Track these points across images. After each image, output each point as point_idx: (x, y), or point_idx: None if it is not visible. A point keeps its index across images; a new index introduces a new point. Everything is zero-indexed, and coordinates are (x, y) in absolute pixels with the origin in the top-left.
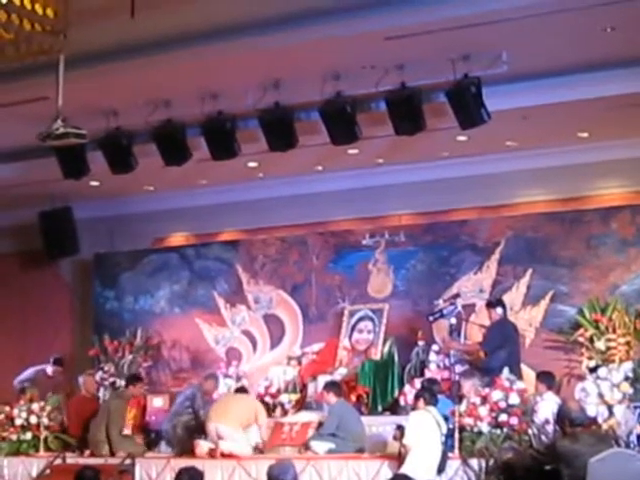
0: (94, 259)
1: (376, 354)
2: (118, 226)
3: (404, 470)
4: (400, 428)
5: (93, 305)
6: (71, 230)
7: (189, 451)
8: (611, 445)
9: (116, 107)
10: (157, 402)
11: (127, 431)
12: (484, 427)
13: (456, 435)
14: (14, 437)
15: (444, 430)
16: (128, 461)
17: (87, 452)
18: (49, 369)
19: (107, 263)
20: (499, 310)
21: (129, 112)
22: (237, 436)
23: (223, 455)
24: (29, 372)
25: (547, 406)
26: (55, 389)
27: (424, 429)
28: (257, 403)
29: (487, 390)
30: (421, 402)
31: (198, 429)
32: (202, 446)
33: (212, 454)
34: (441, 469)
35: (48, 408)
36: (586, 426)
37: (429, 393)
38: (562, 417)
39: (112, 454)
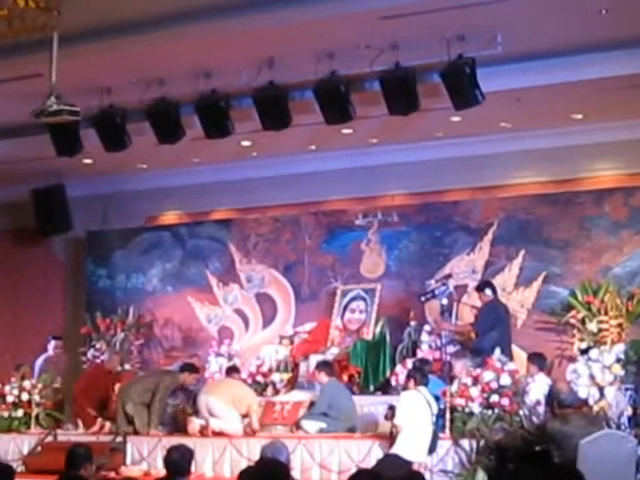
0: (87, 237)
1: (368, 334)
2: (111, 204)
3: (395, 450)
4: (392, 408)
5: (85, 283)
6: (64, 208)
7: (180, 429)
8: (602, 427)
9: (110, 85)
10: None
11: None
12: (475, 408)
13: (447, 415)
14: (5, 414)
15: (435, 410)
16: (119, 439)
17: (94, 429)
18: (50, 349)
19: (100, 241)
20: (488, 292)
21: (123, 90)
22: (227, 412)
23: (214, 433)
24: (39, 364)
25: (538, 387)
26: (60, 365)
27: (415, 409)
28: (250, 391)
29: (478, 371)
30: (412, 382)
31: (187, 407)
32: (195, 423)
33: (203, 432)
34: (432, 449)
35: (40, 385)
36: (576, 407)
37: (420, 373)
38: (552, 398)
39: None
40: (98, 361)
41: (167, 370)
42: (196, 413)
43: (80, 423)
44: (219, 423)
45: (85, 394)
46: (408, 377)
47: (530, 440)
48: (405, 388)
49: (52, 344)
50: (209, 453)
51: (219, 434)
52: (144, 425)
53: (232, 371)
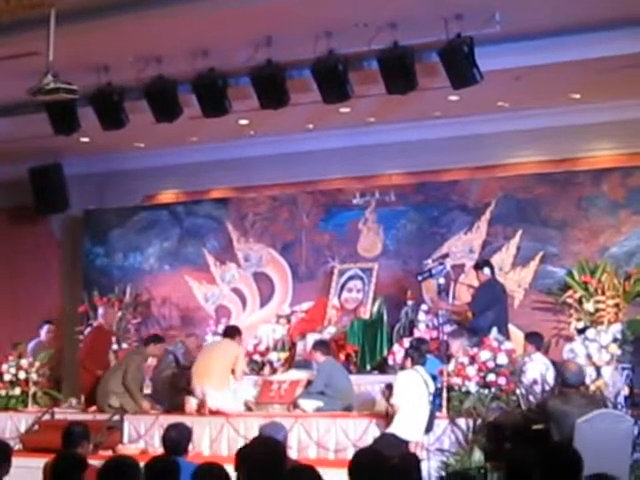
0: (84, 215)
1: (365, 313)
2: (108, 182)
3: (392, 429)
4: (390, 386)
5: (83, 261)
6: (61, 186)
7: (177, 407)
8: (601, 407)
9: (107, 63)
10: None
11: (147, 390)
12: (472, 387)
13: (444, 395)
14: (2, 393)
15: (432, 389)
16: (116, 417)
17: (93, 408)
18: (42, 334)
19: (97, 220)
20: (486, 271)
21: (120, 68)
22: (224, 395)
23: (211, 412)
24: (30, 348)
25: (535, 367)
26: (53, 344)
27: (412, 389)
28: (238, 350)
29: (475, 350)
30: (408, 362)
31: (183, 384)
32: (192, 402)
33: (201, 411)
34: (429, 428)
35: (37, 364)
36: (577, 388)
37: (418, 353)
38: (556, 375)
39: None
40: (96, 323)
41: (133, 349)
42: (192, 393)
43: (82, 399)
44: (216, 402)
45: (91, 357)
46: (406, 356)
47: (529, 418)
48: (402, 367)
49: (45, 328)
50: (206, 432)
51: (216, 413)
52: (134, 408)
53: (227, 336)
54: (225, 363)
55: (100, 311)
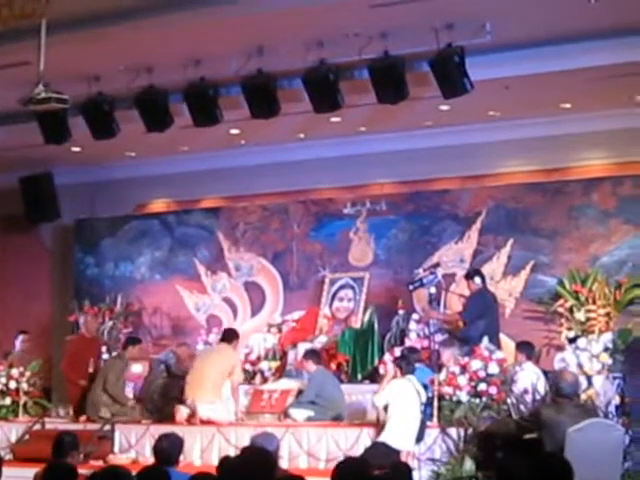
0: (75, 225)
1: (356, 322)
2: (99, 192)
3: (383, 438)
4: None
5: (73, 271)
6: (52, 196)
7: (168, 416)
8: (594, 417)
9: (98, 72)
10: (136, 368)
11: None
12: (463, 396)
13: (435, 404)
14: None
15: (423, 399)
16: (107, 427)
17: (83, 418)
18: (17, 344)
19: (88, 229)
20: (477, 280)
21: (111, 78)
22: (215, 405)
23: (202, 422)
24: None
25: (526, 376)
26: (30, 354)
27: (404, 397)
28: (234, 359)
29: (466, 359)
30: (397, 371)
31: (174, 393)
32: (182, 412)
33: (191, 420)
34: (420, 438)
35: (28, 374)
36: (570, 398)
37: (405, 361)
38: (551, 384)
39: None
40: (78, 332)
41: (113, 356)
42: (184, 402)
43: (71, 411)
44: (207, 411)
45: (73, 367)
46: (394, 366)
47: (522, 426)
48: (394, 376)
49: (19, 339)
50: (197, 441)
51: (207, 422)
52: (125, 412)
53: (224, 340)
54: (220, 373)
55: (81, 320)
